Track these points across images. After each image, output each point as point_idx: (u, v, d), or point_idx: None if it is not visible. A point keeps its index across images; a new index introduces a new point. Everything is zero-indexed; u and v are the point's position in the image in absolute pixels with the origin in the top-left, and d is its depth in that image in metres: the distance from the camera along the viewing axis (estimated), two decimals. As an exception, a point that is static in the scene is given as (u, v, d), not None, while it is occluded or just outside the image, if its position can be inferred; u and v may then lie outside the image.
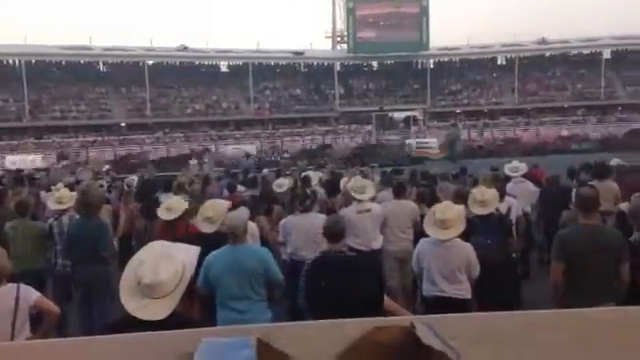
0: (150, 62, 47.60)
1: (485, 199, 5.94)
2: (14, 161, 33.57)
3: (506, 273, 6.03)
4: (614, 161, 11.09)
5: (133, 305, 2.24)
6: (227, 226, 4.46)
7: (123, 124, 44.50)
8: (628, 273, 4.05)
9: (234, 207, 5.69)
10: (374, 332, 1.26)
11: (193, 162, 30.82)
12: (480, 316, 1.27)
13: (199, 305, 4.23)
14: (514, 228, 6.82)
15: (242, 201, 7.15)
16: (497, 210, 6.18)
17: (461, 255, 4.84)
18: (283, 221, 6.56)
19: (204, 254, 4.37)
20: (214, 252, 4.38)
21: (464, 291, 4.83)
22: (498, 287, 5.69)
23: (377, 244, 6.75)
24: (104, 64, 48.92)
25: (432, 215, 4.92)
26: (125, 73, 47.07)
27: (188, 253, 2.40)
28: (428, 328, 1.21)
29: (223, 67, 52.00)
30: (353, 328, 1.32)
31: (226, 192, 9.44)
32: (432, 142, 37.08)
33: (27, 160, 33.64)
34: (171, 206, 6.11)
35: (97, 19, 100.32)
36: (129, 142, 41.12)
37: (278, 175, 12.75)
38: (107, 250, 5.92)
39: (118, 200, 10.06)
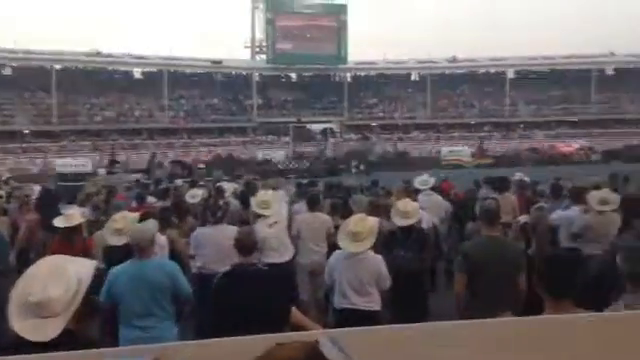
0: (58, 67, 45.40)
1: (407, 211, 6.06)
2: None
3: (423, 285, 6.20)
4: (517, 175, 11.72)
5: (20, 325, 2.08)
6: (132, 239, 4.29)
7: (27, 131, 42.09)
8: (525, 283, 4.25)
9: (142, 219, 5.49)
10: (276, 349, 1.23)
11: (101, 172, 29.56)
12: (387, 329, 1.27)
13: (100, 322, 4.03)
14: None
15: (150, 212, 6.91)
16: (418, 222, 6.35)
17: (372, 267, 4.90)
18: (194, 233, 6.40)
19: (110, 268, 4.19)
20: (118, 266, 4.20)
21: (374, 303, 4.89)
22: (415, 298, 5.85)
23: (288, 256, 6.74)
24: (8, 68, 46.11)
25: (345, 227, 4.96)
26: (30, 78, 44.60)
27: (83, 267, 2.26)
28: (332, 343, 1.19)
29: (137, 74, 50.45)
30: (255, 345, 1.29)
31: (134, 203, 9.11)
32: (464, 150, 38.13)
33: None
34: (68, 214, 5.80)
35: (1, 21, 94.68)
36: (32, 150, 38.91)
37: (192, 186, 12.46)
38: (2, 263, 5.54)
39: (18, 211, 9.46)
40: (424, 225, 7.12)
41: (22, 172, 32.01)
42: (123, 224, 5.23)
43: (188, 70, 50.85)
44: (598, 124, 48.01)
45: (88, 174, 27.58)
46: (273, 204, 6.93)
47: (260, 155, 40.08)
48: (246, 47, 56.17)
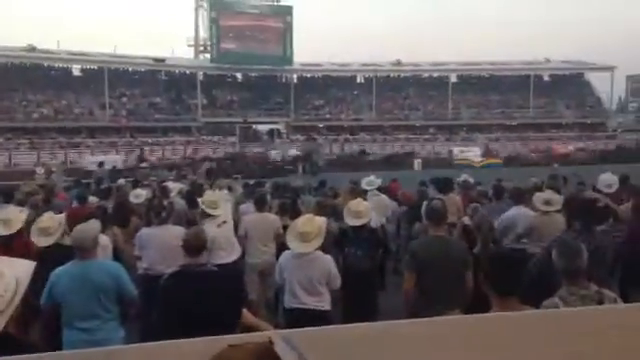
0: (-9, 62, 43.46)
1: (360, 210, 6.14)
2: None
3: (373, 283, 6.28)
4: (462, 176, 12.01)
5: None
6: (73, 239, 4.14)
7: (-43, 128, 40.07)
8: (472, 280, 4.35)
9: (84, 219, 5.30)
10: (229, 351, 1.19)
11: (40, 171, 28.46)
12: (337, 328, 1.25)
13: (42, 325, 3.87)
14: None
15: (92, 213, 6.69)
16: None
17: (321, 267, 4.91)
18: (139, 233, 6.25)
19: (49, 270, 4.02)
20: (61, 267, 4.04)
21: (324, 303, 4.90)
22: (365, 297, 5.91)
23: (235, 256, 6.68)
24: None
25: (294, 228, 4.96)
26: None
27: (22, 268, 2.15)
28: (286, 343, 1.17)
29: (76, 71, 48.75)
30: (206, 347, 1.25)
31: (76, 203, 8.80)
32: (475, 150, 39.72)
33: None
34: (7, 217, 5.50)
35: None
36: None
37: (135, 185, 12.15)
38: None
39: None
40: (372, 225, 7.21)
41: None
42: (50, 223, 5.05)
43: (130, 68, 49.60)
44: (536, 128, 49.83)
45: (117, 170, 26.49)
46: (221, 204, 6.85)
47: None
48: (189, 46, 55.34)
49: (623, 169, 12.85)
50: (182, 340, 1.45)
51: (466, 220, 7.17)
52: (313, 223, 4.93)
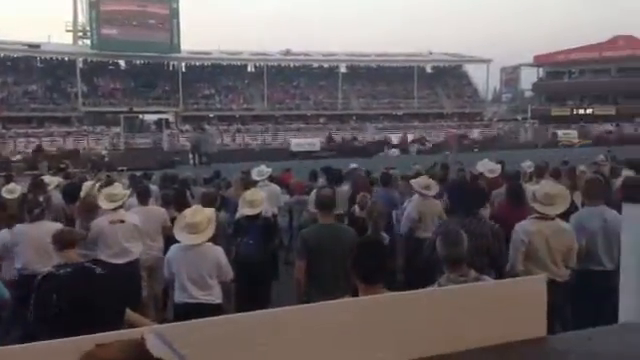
0: None
1: (254, 200, 6.09)
2: None
3: (266, 273, 6.25)
4: (352, 165, 12.29)
5: None
6: None
7: None
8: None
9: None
10: (95, 349, 1.12)
11: None
12: (224, 319, 1.19)
13: None
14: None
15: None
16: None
17: (211, 259, 4.80)
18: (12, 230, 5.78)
19: None
20: None
21: (214, 296, 4.79)
22: (259, 286, 5.87)
23: (133, 256, 6.28)
24: None
25: (182, 220, 4.81)
26: None
27: None
28: (158, 338, 1.11)
29: (-62, 56, 44.31)
30: (76, 347, 1.16)
31: None
32: (573, 133, 44.16)
33: None
34: None
35: None
36: None
37: (8, 180, 11.23)
38: None
39: None
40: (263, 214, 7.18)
41: None
42: None
43: (1, 54, 45.81)
44: (420, 118, 52.10)
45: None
46: (120, 196, 6.45)
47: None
48: (68, 31, 52.01)
49: (498, 156, 13.75)
50: (53, 341, 1.36)
51: (356, 209, 7.35)
52: (202, 214, 4.81)
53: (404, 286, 5.23)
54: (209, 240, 4.80)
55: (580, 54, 58.53)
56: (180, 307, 4.79)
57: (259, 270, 6.02)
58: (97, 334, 1.27)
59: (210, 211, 5.00)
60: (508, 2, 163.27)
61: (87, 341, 1.21)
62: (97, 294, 3.38)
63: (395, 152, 38.98)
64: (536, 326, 1.13)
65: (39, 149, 33.86)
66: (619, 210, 4.45)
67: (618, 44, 56.50)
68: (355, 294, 4.22)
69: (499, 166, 9.59)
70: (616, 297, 2.28)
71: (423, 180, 7.22)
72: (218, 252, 4.86)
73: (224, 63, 53.47)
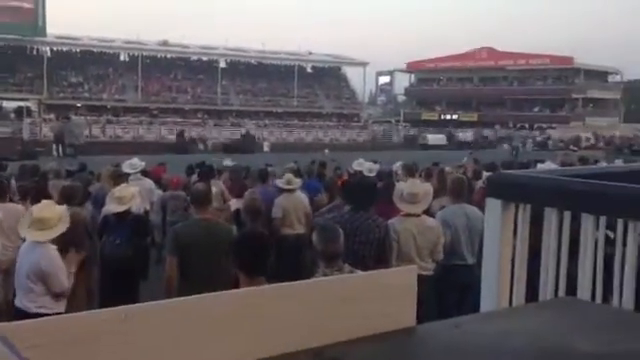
0: None
1: (123, 196, 5.79)
2: None
3: (134, 272, 5.95)
4: (226, 162, 12.13)
5: None
6: None
7: None
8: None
9: None
10: None
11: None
12: (70, 318, 1.08)
13: None
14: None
15: None
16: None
17: (35, 262, 4.34)
18: None
19: None
20: None
21: (41, 305, 4.38)
22: (125, 286, 5.56)
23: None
24: None
25: (30, 215, 4.42)
26: None
27: None
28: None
29: None
30: None
31: None
32: (441, 137, 43.68)
33: None
34: None
35: None
36: None
37: None
38: None
39: None
40: (134, 210, 6.87)
41: None
42: None
43: None
44: (299, 116, 52.73)
45: None
46: None
47: None
48: None
49: (374, 156, 14.25)
50: None
51: (233, 204, 7.26)
52: (51, 209, 4.43)
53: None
54: (65, 240, 4.42)
55: (447, 63, 62.42)
56: (20, 313, 4.32)
57: (125, 270, 5.71)
58: None
59: (62, 208, 4.63)
60: (383, 9, 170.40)
61: None
62: None
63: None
64: (406, 316, 1.14)
65: None
66: (480, 209, 4.78)
67: (481, 55, 60.96)
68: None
69: (377, 165, 9.98)
70: (478, 288, 2.42)
71: (285, 176, 7.42)
72: (47, 257, 4.35)
73: (95, 50, 50.57)
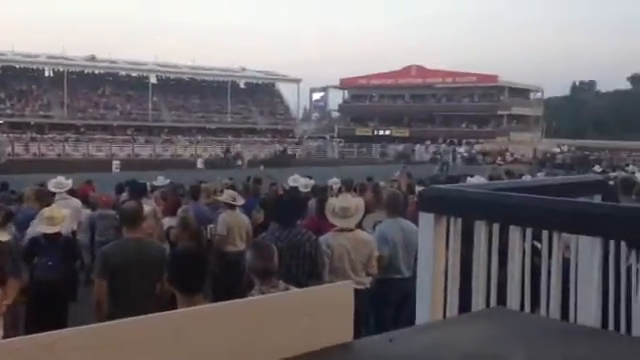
0: None
1: (53, 217, 5.57)
2: None
3: (64, 295, 5.72)
4: (159, 179, 11.84)
5: None
6: None
7: None
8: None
9: None
10: None
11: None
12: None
13: None
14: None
15: None
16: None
17: None
18: None
19: None
20: None
21: None
22: (54, 309, 5.34)
23: None
24: None
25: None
26: None
27: None
28: None
29: None
30: None
31: None
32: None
33: None
34: None
35: None
36: None
37: None
38: None
39: None
40: (67, 229, 6.64)
41: None
42: None
43: None
44: (233, 132, 52.33)
45: None
46: None
47: None
48: None
49: (309, 172, 14.32)
50: None
51: (166, 222, 7.10)
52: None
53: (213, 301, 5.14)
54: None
55: (379, 80, 63.78)
56: None
57: (56, 293, 5.50)
58: None
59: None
60: (315, 26, 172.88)
61: None
62: None
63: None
64: (343, 332, 1.14)
65: None
66: (414, 223, 4.89)
67: (411, 73, 62.66)
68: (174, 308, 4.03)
69: (312, 181, 10.06)
70: (413, 301, 2.46)
71: (228, 192, 7.35)
72: None
73: (17, 66, 48.50)
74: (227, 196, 7.17)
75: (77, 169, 29.15)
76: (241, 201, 7.16)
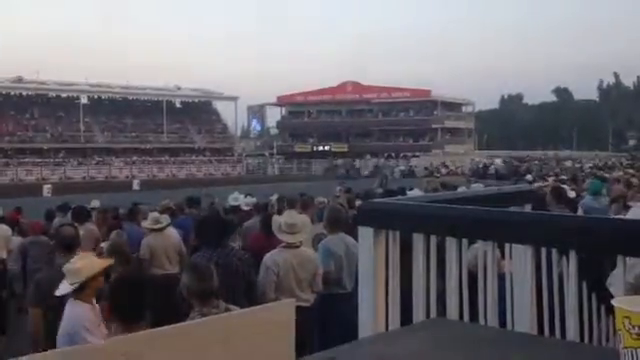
0: None
1: None
2: None
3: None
4: (93, 203, 11.46)
5: None
6: None
7: None
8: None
9: None
10: None
11: None
12: None
13: None
14: None
15: None
16: None
17: None
18: None
19: None
20: None
21: None
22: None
23: None
24: None
25: None
26: None
27: None
28: None
29: None
30: None
31: None
32: None
33: None
34: None
35: None
36: None
37: None
38: None
39: None
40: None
41: None
42: None
43: None
44: (170, 152, 51.41)
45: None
46: None
47: None
48: None
49: (249, 189, 14.21)
50: None
51: (104, 245, 6.86)
52: None
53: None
54: None
55: (316, 96, 64.40)
56: None
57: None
58: None
59: None
60: (253, 43, 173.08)
61: None
62: None
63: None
64: (285, 352, 1.14)
65: None
66: (354, 237, 4.93)
67: (347, 89, 63.60)
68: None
69: (254, 199, 9.99)
70: (357, 316, 2.48)
71: (151, 216, 7.16)
72: None
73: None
74: (150, 221, 6.99)
75: (5, 194, 27.86)
76: (162, 223, 6.95)
